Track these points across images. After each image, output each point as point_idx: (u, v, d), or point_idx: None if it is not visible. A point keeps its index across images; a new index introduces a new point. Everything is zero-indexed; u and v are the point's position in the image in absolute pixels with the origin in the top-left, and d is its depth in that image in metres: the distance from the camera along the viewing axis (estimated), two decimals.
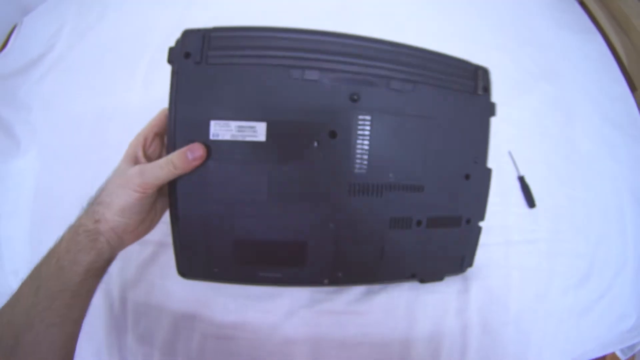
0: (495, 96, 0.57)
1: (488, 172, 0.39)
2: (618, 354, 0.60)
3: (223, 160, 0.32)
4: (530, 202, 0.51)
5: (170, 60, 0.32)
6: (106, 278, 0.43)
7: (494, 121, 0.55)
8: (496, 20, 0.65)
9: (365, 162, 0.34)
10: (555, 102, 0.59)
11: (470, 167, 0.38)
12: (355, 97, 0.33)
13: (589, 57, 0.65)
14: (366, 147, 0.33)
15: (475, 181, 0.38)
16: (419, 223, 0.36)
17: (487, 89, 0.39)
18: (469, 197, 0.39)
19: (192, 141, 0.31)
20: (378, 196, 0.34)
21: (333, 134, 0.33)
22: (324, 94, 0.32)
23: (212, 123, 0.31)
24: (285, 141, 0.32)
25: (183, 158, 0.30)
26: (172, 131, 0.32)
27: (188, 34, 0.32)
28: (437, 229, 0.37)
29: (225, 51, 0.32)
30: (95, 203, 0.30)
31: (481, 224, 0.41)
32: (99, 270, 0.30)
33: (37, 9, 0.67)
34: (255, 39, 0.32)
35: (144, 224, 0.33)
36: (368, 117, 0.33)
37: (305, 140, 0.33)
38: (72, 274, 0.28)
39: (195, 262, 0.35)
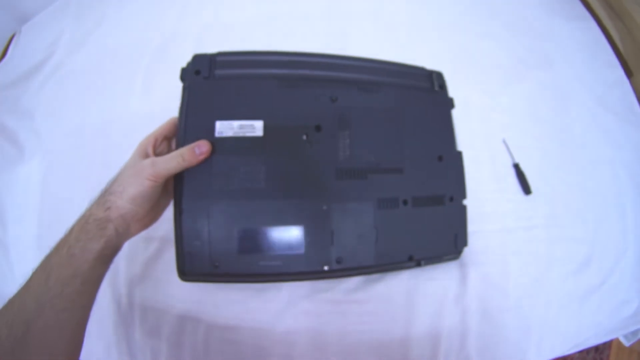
0: (488, 85, 0.58)
1: (459, 154, 0.44)
2: (621, 339, 0.60)
3: (226, 154, 0.37)
4: (526, 189, 0.51)
5: (182, 78, 0.39)
6: (113, 276, 0.45)
7: (486, 109, 0.57)
8: (488, 9, 0.65)
9: (348, 150, 0.40)
10: (548, 89, 0.59)
11: (441, 151, 0.43)
12: (334, 98, 0.40)
13: (582, 43, 0.64)
14: (347, 137, 0.40)
15: (448, 162, 0.43)
16: (405, 202, 0.41)
17: (442, 87, 0.46)
18: (446, 176, 0.43)
19: (199, 139, 0.36)
20: (363, 178, 0.40)
21: (318, 128, 0.39)
22: (309, 97, 0.40)
23: (218, 123, 0.38)
24: (279, 135, 0.38)
25: (191, 152, 0.35)
26: (183, 132, 0.37)
27: (198, 58, 0.40)
28: (424, 207, 0.41)
29: (228, 69, 0.40)
30: (107, 193, 0.33)
31: (466, 203, 0.43)
32: (107, 257, 0.32)
33: (35, 18, 0.68)
34: (252, 60, 0.41)
35: (149, 214, 0.36)
36: (346, 113, 0.40)
37: (295, 134, 0.39)
38: (82, 261, 0.30)
39: (196, 257, 0.36)
